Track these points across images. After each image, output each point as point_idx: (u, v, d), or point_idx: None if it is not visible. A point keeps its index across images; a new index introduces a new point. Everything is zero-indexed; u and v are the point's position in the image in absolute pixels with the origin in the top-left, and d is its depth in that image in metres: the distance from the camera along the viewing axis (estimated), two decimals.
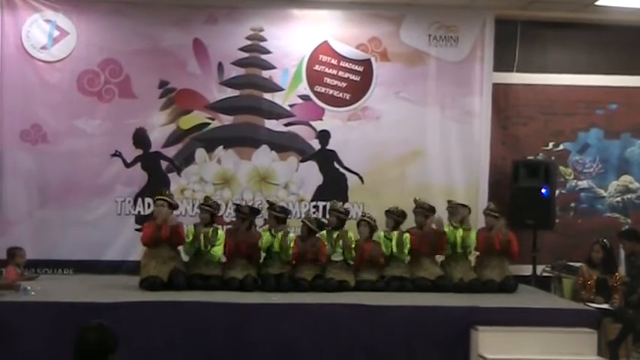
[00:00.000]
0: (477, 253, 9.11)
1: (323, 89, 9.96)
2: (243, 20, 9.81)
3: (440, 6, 9.93)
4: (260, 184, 9.88)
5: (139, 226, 9.30)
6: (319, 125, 9.96)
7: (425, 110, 10.05)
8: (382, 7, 9.92)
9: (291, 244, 8.62)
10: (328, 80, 9.97)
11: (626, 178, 10.59)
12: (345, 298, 8.01)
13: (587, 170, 10.54)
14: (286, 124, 9.92)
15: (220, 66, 9.81)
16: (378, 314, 7.64)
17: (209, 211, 8.61)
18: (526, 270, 9.79)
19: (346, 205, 9.53)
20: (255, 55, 9.88)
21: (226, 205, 9.70)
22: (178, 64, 9.75)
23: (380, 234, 8.96)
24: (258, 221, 9.23)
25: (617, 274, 8.68)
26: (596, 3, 9.49)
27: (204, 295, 7.89)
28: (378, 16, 9.97)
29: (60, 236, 9.53)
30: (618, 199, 10.57)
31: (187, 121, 9.80)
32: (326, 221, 9.20)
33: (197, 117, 9.81)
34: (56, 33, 9.58)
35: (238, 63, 9.85)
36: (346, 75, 9.99)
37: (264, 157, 9.90)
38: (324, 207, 9.73)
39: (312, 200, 9.91)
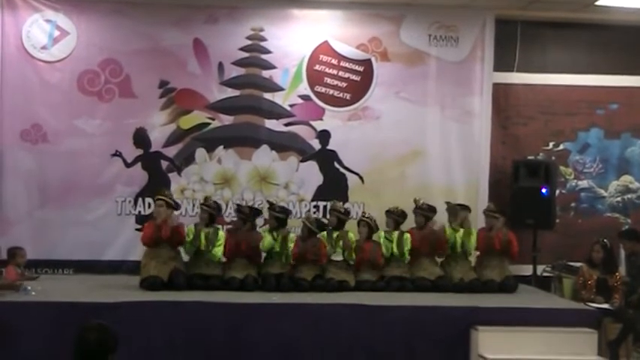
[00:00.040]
0: (477, 253, 9.11)
1: (323, 89, 9.96)
2: (243, 20, 9.81)
3: (440, 6, 9.93)
4: (260, 184, 9.88)
5: (139, 226, 9.32)
6: (319, 125, 9.96)
7: (425, 110, 10.05)
8: (382, 7, 9.92)
9: (291, 245, 8.63)
10: (328, 80, 9.96)
11: (626, 178, 10.59)
12: (345, 298, 8.01)
13: (588, 170, 10.54)
14: (286, 124, 9.92)
15: (220, 66, 9.81)
16: (378, 314, 7.64)
17: (208, 211, 8.61)
18: (526, 270, 9.79)
19: (346, 205, 9.53)
20: (255, 54, 9.88)
21: (227, 205, 9.69)
22: (178, 64, 9.75)
23: (380, 234, 8.96)
24: (259, 221, 9.22)
25: (617, 274, 8.68)
26: (596, 3, 9.49)
27: (205, 295, 7.89)
28: (378, 16, 9.97)
29: (60, 236, 9.53)
30: (618, 199, 10.57)
31: (187, 121, 9.80)
32: (326, 221, 9.20)
33: (197, 117, 9.81)
34: (56, 33, 9.58)
35: (238, 63, 9.85)
36: (346, 75, 9.99)
37: (264, 157, 9.90)
38: (325, 207, 9.73)
39: (312, 200, 9.91)
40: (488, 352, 7.40)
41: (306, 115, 9.95)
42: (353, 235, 8.87)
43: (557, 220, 10.12)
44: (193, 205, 9.62)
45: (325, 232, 8.84)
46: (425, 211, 9.03)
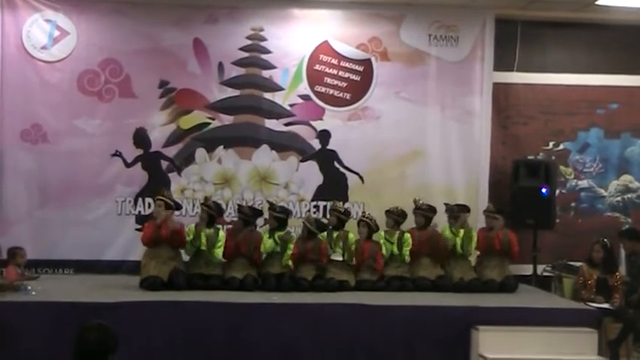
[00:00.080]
0: (477, 253, 9.11)
1: (323, 89, 9.96)
2: (243, 20, 9.81)
3: (440, 6, 9.92)
4: (260, 184, 9.88)
5: (139, 226, 9.31)
6: (319, 125, 9.96)
7: (425, 110, 10.05)
8: (382, 6, 9.91)
9: (291, 245, 8.64)
10: (328, 80, 9.96)
11: (626, 178, 10.58)
12: (345, 298, 8.02)
13: (588, 170, 10.53)
14: (286, 124, 9.92)
15: (220, 66, 9.81)
16: (379, 314, 7.64)
17: (208, 211, 8.61)
18: (526, 270, 9.79)
19: (346, 205, 9.55)
20: (255, 54, 9.88)
21: (227, 205, 9.69)
22: (178, 64, 9.75)
23: (380, 234, 8.97)
24: (259, 221, 9.22)
25: (617, 273, 8.68)
26: (597, 2, 9.48)
27: (205, 295, 7.89)
28: (378, 16, 9.97)
29: (60, 236, 9.53)
30: (618, 198, 10.57)
31: (187, 121, 9.80)
32: (326, 221, 9.20)
33: (197, 117, 9.81)
34: (56, 33, 9.58)
35: (238, 63, 9.85)
36: (346, 75, 9.98)
37: (264, 156, 9.89)
38: (325, 207, 9.73)
39: (312, 200, 9.90)
40: (488, 352, 7.40)
41: (306, 115, 9.95)
42: (353, 236, 8.87)
43: (558, 220, 10.12)
44: (193, 205, 9.62)
45: (325, 233, 8.84)
46: (425, 212, 9.03)
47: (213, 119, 9.83)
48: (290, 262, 8.61)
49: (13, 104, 9.49)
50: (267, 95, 9.90)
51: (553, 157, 10.41)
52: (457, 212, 9.04)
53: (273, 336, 7.44)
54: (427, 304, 7.92)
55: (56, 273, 9.39)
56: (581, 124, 10.52)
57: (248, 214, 8.80)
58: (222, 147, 9.84)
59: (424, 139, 10.05)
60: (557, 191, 10.26)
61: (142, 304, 7.48)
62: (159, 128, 9.75)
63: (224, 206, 9.56)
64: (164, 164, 9.78)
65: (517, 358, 7.40)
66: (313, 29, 9.94)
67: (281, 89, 9.90)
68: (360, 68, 9.99)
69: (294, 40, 9.93)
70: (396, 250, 8.90)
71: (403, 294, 8.41)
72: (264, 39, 9.87)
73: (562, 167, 10.48)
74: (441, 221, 9.17)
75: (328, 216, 9.34)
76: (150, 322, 7.32)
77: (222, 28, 9.81)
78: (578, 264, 9.17)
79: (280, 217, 8.79)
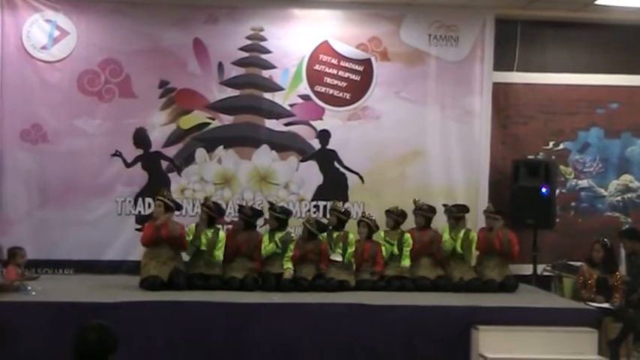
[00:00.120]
0: (477, 252, 9.11)
1: (323, 89, 9.96)
2: (243, 20, 9.81)
3: (440, 5, 9.92)
4: (260, 184, 9.88)
5: (139, 226, 9.31)
6: (319, 125, 9.96)
7: (425, 110, 10.04)
8: (382, 6, 9.91)
9: (291, 247, 8.64)
10: (328, 80, 9.96)
11: (626, 178, 10.58)
12: (345, 298, 8.02)
13: (588, 169, 10.53)
14: (286, 124, 9.92)
15: (220, 66, 9.81)
16: (379, 314, 7.64)
17: (207, 212, 8.61)
18: (526, 269, 9.79)
19: (346, 205, 9.56)
20: (255, 54, 9.87)
21: (227, 205, 9.69)
22: (178, 64, 9.74)
23: (380, 235, 8.97)
24: (259, 221, 9.22)
25: (617, 273, 8.68)
26: (596, 2, 9.48)
27: (205, 295, 7.90)
28: (378, 16, 9.96)
29: (60, 236, 9.53)
30: (619, 198, 10.56)
31: (187, 121, 9.80)
32: (326, 221, 9.20)
33: (197, 117, 9.81)
34: (56, 33, 9.58)
35: (238, 63, 9.85)
36: (346, 75, 9.98)
37: (264, 156, 9.89)
38: (325, 207, 9.73)
39: (312, 200, 9.90)
40: (488, 352, 7.40)
41: (306, 115, 9.95)
42: (353, 236, 8.88)
43: (558, 220, 10.12)
44: (193, 205, 9.62)
45: (325, 233, 8.84)
46: (425, 212, 9.04)
47: (213, 119, 9.83)
48: (290, 264, 8.60)
49: (13, 104, 9.48)
50: (267, 95, 9.90)
51: (553, 157, 10.40)
52: (456, 212, 9.04)
53: (273, 336, 7.45)
54: (427, 303, 7.92)
55: (56, 273, 9.39)
56: (581, 123, 10.52)
57: (248, 215, 8.80)
58: (222, 147, 9.84)
59: (424, 139, 10.05)
60: (557, 191, 10.26)
61: (142, 304, 7.49)
62: (159, 128, 9.75)
63: (224, 206, 9.55)
64: (164, 164, 9.77)
65: (517, 358, 7.40)
66: (313, 29, 9.94)
67: (281, 89, 9.90)
68: (360, 68, 9.99)
69: (294, 40, 9.92)
70: (396, 250, 8.92)
71: (403, 294, 8.42)
72: (264, 39, 9.87)
73: (562, 167, 10.48)
74: (440, 221, 9.18)
75: (328, 216, 9.34)
76: (150, 322, 7.32)
77: (222, 28, 9.81)
78: (578, 264, 9.18)
79: (280, 217, 8.80)
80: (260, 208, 9.34)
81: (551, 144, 10.48)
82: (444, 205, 9.23)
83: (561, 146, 10.50)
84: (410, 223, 9.13)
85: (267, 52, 9.87)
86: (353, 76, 9.98)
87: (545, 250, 10.01)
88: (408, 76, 10.02)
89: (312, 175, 9.94)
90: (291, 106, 9.93)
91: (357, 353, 7.56)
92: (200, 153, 9.81)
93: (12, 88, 9.48)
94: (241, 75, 9.86)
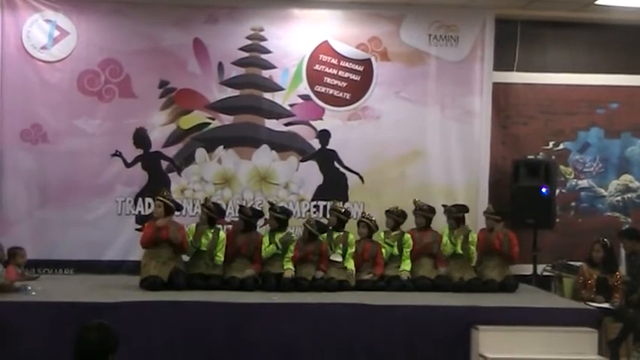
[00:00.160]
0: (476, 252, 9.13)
1: (323, 89, 9.96)
2: (243, 20, 9.81)
3: (440, 5, 9.92)
4: (260, 184, 9.88)
5: (139, 226, 9.31)
6: (319, 125, 9.95)
7: (425, 110, 10.04)
8: (382, 6, 9.91)
9: (292, 247, 8.64)
10: (328, 80, 9.96)
11: (626, 178, 10.58)
12: (345, 298, 8.02)
13: (588, 169, 10.53)
14: (286, 124, 9.91)
15: (220, 66, 9.81)
16: (379, 314, 7.64)
17: (207, 213, 8.62)
18: (527, 269, 9.79)
19: (346, 205, 9.56)
20: (255, 54, 9.87)
21: (227, 205, 9.69)
22: (178, 64, 9.74)
23: (380, 235, 8.97)
24: (259, 221, 9.23)
25: (617, 273, 8.68)
26: (596, 2, 9.48)
27: (205, 295, 7.89)
28: (378, 16, 9.96)
29: (60, 236, 9.53)
30: (619, 198, 10.56)
31: (187, 121, 9.80)
32: (326, 221, 9.20)
33: (197, 117, 9.81)
34: (56, 33, 9.58)
35: (238, 63, 9.85)
36: (346, 75, 9.98)
37: (264, 156, 9.89)
38: (325, 207, 9.73)
39: (312, 200, 9.90)
40: (488, 352, 7.40)
41: (306, 115, 9.95)
42: (353, 237, 8.88)
43: (558, 220, 10.12)
44: (193, 205, 9.62)
45: (325, 234, 8.84)
46: (425, 212, 9.04)
47: (213, 119, 9.82)
48: (291, 264, 8.60)
49: (13, 104, 9.48)
50: (267, 95, 9.89)
51: (553, 157, 10.40)
52: (456, 213, 9.05)
53: (273, 336, 7.44)
54: (427, 303, 7.92)
55: (56, 273, 9.39)
56: (582, 123, 10.52)
57: (249, 215, 8.80)
58: (222, 147, 9.84)
59: (424, 139, 10.04)
60: (557, 191, 10.26)
61: (142, 304, 7.48)
62: (159, 128, 9.75)
63: (224, 206, 9.55)
64: (164, 164, 9.77)
65: (517, 358, 7.40)
66: (313, 29, 9.94)
67: (281, 89, 9.90)
68: (360, 68, 9.99)
69: (294, 40, 9.92)
70: (396, 251, 8.91)
71: (403, 294, 8.41)
72: (264, 39, 9.87)
73: (562, 167, 10.47)
74: (440, 222, 9.18)
75: (328, 216, 9.34)
76: (150, 322, 7.32)
77: (222, 28, 9.81)
78: (578, 264, 9.18)
79: (281, 217, 8.80)
80: (260, 209, 9.34)
81: (551, 144, 10.48)
82: (444, 206, 9.23)
83: (561, 146, 10.50)
84: (410, 223, 9.13)
85: (267, 52, 9.87)
86: (353, 76, 9.98)
87: (545, 250, 10.01)
88: (408, 76, 10.02)
89: (312, 175, 9.94)
90: (291, 106, 9.92)
91: (357, 353, 7.56)
92: (200, 153, 9.81)
93: (12, 88, 9.48)
94: (241, 75, 9.86)
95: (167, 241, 8.32)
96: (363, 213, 9.50)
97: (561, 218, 10.27)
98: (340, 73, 9.97)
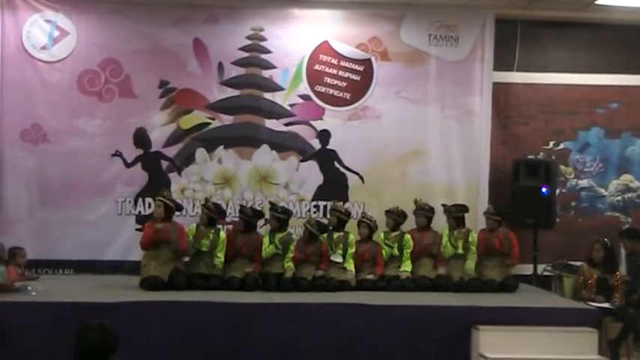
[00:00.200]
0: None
1: (323, 89, 9.96)
2: (243, 20, 9.81)
3: (440, 5, 9.92)
4: (260, 184, 9.87)
5: (139, 226, 9.31)
6: (319, 125, 9.95)
7: (425, 110, 10.04)
8: (382, 6, 9.91)
9: (292, 247, 8.64)
10: (328, 80, 9.96)
11: (626, 177, 10.58)
12: (345, 298, 8.02)
13: (588, 169, 10.53)
14: (287, 124, 9.91)
15: (220, 66, 9.80)
16: (379, 314, 7.64)
17: (207, 214, 8.62)
18: (527, 269, 9.78)
19: (347, 205, 9.56)
20: (255, 54, 9.87)
21: (227, 205, 9.69)
22: (178, 64, 9.74)
23: (380, 236, 8.97)
24: (259, 221, 9.23)
25: (617, 273, 8.68)
26: (597, 2, 9.47)
27: (205, 295, 7.89)
28: (378, 16, 9.96)
29: (60, 236, 9.52)
30: (619, 198, 10.56)
31: (188, 121, 9.79)
32: (326, 221, 9.20)
33: (197, 117, 9.80)
34: (56, 33, 9.58)
35: (238, 63, 9.84)
36: (346, 74, 9.98)
37: (264, 156, 9.89)
38: (325, 207, 9.73)
39: (312, 200, 9.89)
40: (488, 352, 7.40)
41: (306, 115, 9.94)
42: (354, 237, 8.88)
43: (558, 220, 10.11)
44: (194, 205, 9.61)
45: (326, 234, 8.84)
46: (427, 212, 9.04)
47: (213, 119, 9.82)
48: (291, 264, 8.60)
49: (13, 104, 9.48)
50: (267, 95, 9.89)
51: (553, 157, 10.40)
52: (456, 212, 9.05)
53: (273, 336, 7.45)
54: (427, 303, 7.93)
55: (56, 273, 9.38)
56: (582, 123, 10.52)
57: (249, 215, 8.80)
58: (222, 147, 9.83)
59: (424, 139, 10.04)
60: (558, 191, 10.25)
61: (142, 304, 7.49)
62: (159, 128, 9.74)
63: (224, 206, 9.56)
64: (164, 164, 9.77)
65: (517, 358, 7.41)
66: (313, 29, 9.94)
67: (281, 89, 9.90)
68: (360, 68, 9.99)
69: (294, 40, 9.92)
70: (396, 252, 8.91)
71: (403, 294, 8.41)
72: (264, 39, 9.86)
73: (562, 167, 10.47)
74: (440, 221, 9.18)
75: (328, 216, 9.34)
76: (150, 322, 7.32)
77: (222, 28, 9.80)
78: (578, 263, 9.17)
79: (282, 217, 8.80)
80: (260, 209, 9.34)
81: (551, 144, 10.48)
82: (444, 205, 9.23)
83: (561, 146, 10.49)
84: (410, 223, 9.12)
85: (267, 52, 9.87)
86: (353, 76, 9.98)
87: (546, 250, 10.01)
88: (408, 76, 10.02)
89: (312, 175, 9.93)
90: (291, 106, 9.92)
91: (358, 353, 7.56)
92: (200, 153, 9.81)
93: (12, 88, 9.47)
94: (241, 75, 9.86)
95: (167, 242, 8.32)
96: (363, 213, 9.50)
97: (561, 218, 10.27)
98: (340, 73, 9.96)
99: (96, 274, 9.30)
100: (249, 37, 9.84)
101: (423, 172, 9.99)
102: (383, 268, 8.84)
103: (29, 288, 7.82)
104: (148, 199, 9.55)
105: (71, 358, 3.79)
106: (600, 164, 10.53)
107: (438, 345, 7.60)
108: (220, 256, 8.52)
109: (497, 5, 9.89)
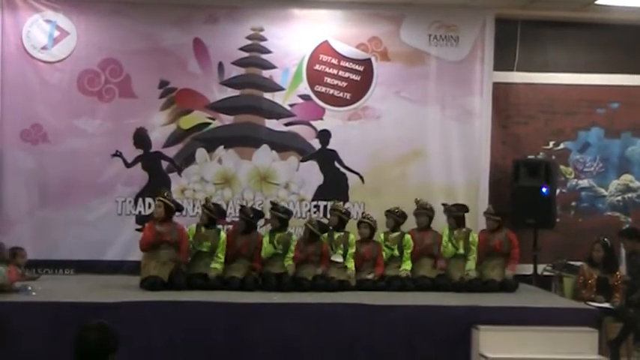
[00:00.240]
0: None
1: (323, 89, 9.96)
2: (243, 20, 9.81)
3: (440, 5, 9.92)
4: (261, 184, 9.87)
5: (139, 226, 9.31)
6: (320, 125, 9.95)
7: (425, 110, 10.04)
8: (382, 6, 9.91)
9: (292, 247, 8.64)
10: (328, 80, 9.96)
11: (626, 177, 10.58)
12: (346, 298, 8.02)
13: (588, 169, 10.53)
14: (287, 124, 9.91)
15: (221, 66, 9.80)
16: (379, 314, 7.64)
17: (207, 214, 8.62)
18: (527, 269, 9.78)
19: (347, 205, 9.56)
20: (255, 54, 9.87)
21: (227, 205, 9.69)
22: (179, 64, 9.74)
23: (380, 236, 8.96)
24: (259, 221, 9.23)
25: (617, 273, 8.68)
26: (597, 2, 9.48)
27: (205, 295, 7.89)
28: (378, 16, 9.96)
29: (60, 236, 9.52)
30: (619, 198, 10.56)
31: (188, 121, 9.79)
32: (327, 221, 9.20)
33: (197, 117, 9.80)
34: (56, 33, 9.58)
35: (239, 63, 9.84)
36: (346, 74, 9.98)
37: (264, 156, 9.88)
38: (325, 207, 9.73)
39: (312, 200, 9.89)
40: (489, 352, 7.40)
41: (306, 115, 9.94)
42: (354, 237, 8.88)
43: (558, 220, 10.11)
44: (194, 206, 9.61)
45: (326, 234, 8.84)
46: (428, 211, 9.05)
47: (213, 119, 9.82)
48: (292, 263, 8.60)
49: (13, 104, 9.48)
50: (267, 95, 9.89)
51: (553, 157, 10.40)
52: (456, 212, 9.05)
53: (273, 336, 7.45)
54: (428, 303, 7.93)
55: (56, 273, 9.38)
56: (582, 123, 10.52)
57: (249, 215, 8.80)
58: (222, 147, 9.83)
59: (424, 139, 10.04)
60: (558, 191, 10.25)
61: (142, 304, 7.49)
62: (159, 128, 9.74)
63: (224, 206, 9.56)
64: (164, 164, 9.77)
65: (517, 358, 7.40)
66: (313, 29, 9.94)
67: (281, 89, 9.90)
68: (360, 68, 9.99)
69: (294, 40, 9.92)
70: (396, 253, 8.91)
71: (404, 294, 8.42)
72: (264, 39, 9.86)
73: (562, 167, 10.47)
74: (440, 221, 9.18)
75: (329, 216, 9.34)
76: (150, 322, 7.32)
77: (222, 28, 9.80)
78: (578, 263, 9.17)
79: (283, 217, 8.80)
80: (261, 209, 9.34)
81: (551, 144, 10.48)
82: (444, 205, 9.23)
83: (561, 146, 10.49)
84: (410, 223, 9.12)
85: (268, 52, 9.87)
86: (353, 76, 9.98)
87: (546, 249, 10.01)
88: (408, 76, 10.02)
89: (312, 175, 9.93)
90: (291, 106, 9.92)
91: (358, 353, 7.56)
92: (200, 153, 9.81)
93: (12, 88, 9.47)
94: (241, 75, 9.86)
95: (167, 242, 8.32)
96: (363, 213, 9.50)
97: (561, 218, 10.27)
98: (340, 73, 9.96)
99: (96, 274, 9.30)
100: (249, 37, 9.84)
101: (423, 172, 9.99)
102: (383, 269, 8.83)
103: (29, 288, 7.82)
104: (148, 199, 9.55)
105: (71, 358, 3.79)
106: (600, 164, 10.53)
107: (438, 345, 7.60)
108: (220, 256, 8.48)
109: (497, 5, 9.89)
